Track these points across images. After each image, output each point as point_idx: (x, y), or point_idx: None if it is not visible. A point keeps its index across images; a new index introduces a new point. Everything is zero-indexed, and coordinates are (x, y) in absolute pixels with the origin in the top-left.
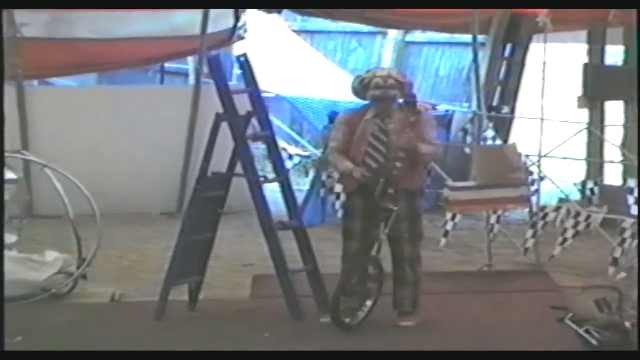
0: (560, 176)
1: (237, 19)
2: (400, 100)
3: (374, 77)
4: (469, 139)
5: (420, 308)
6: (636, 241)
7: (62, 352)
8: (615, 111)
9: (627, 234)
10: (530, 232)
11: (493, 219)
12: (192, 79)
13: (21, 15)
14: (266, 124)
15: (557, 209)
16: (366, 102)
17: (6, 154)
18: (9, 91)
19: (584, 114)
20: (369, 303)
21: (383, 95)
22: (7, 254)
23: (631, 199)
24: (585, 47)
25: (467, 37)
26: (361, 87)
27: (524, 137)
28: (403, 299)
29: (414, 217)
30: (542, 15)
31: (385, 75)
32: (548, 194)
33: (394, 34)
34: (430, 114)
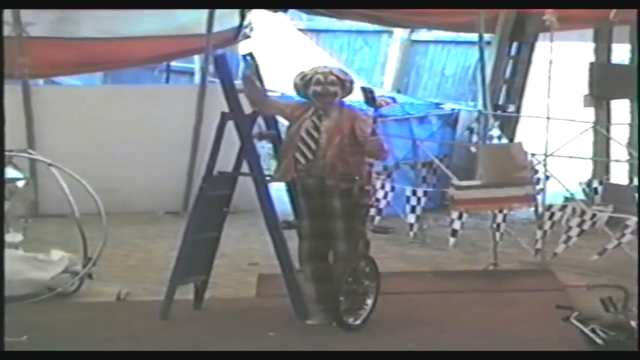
0: (566, 175)
1: (243, 17)
2: (361, 100)
3: (315, 73)
4: (474, 138)
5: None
6: (634, 236)
7: (68, 351)
8: (621, 110)
9: (628, 230)
10: (539, 233)
11: (499, 218)
12: (197, 77)
13: (27, 14)
14: (272, 122)
15: (563, 208)
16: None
17: (12, 153)
18: (15, 90)
19: (590, 113)
20: (369, 301)
21: (323, 91)
22: (13, 252)
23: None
24: (591, 45)
25: (473, 36)
26: (302, 83)
27: (530, 136)
28: (326, 294)
29: (351, 216)
30: (548, 13)
31: (327, 72)
32: (554, 193)
33: (399, 33)
34: (390, 107)
